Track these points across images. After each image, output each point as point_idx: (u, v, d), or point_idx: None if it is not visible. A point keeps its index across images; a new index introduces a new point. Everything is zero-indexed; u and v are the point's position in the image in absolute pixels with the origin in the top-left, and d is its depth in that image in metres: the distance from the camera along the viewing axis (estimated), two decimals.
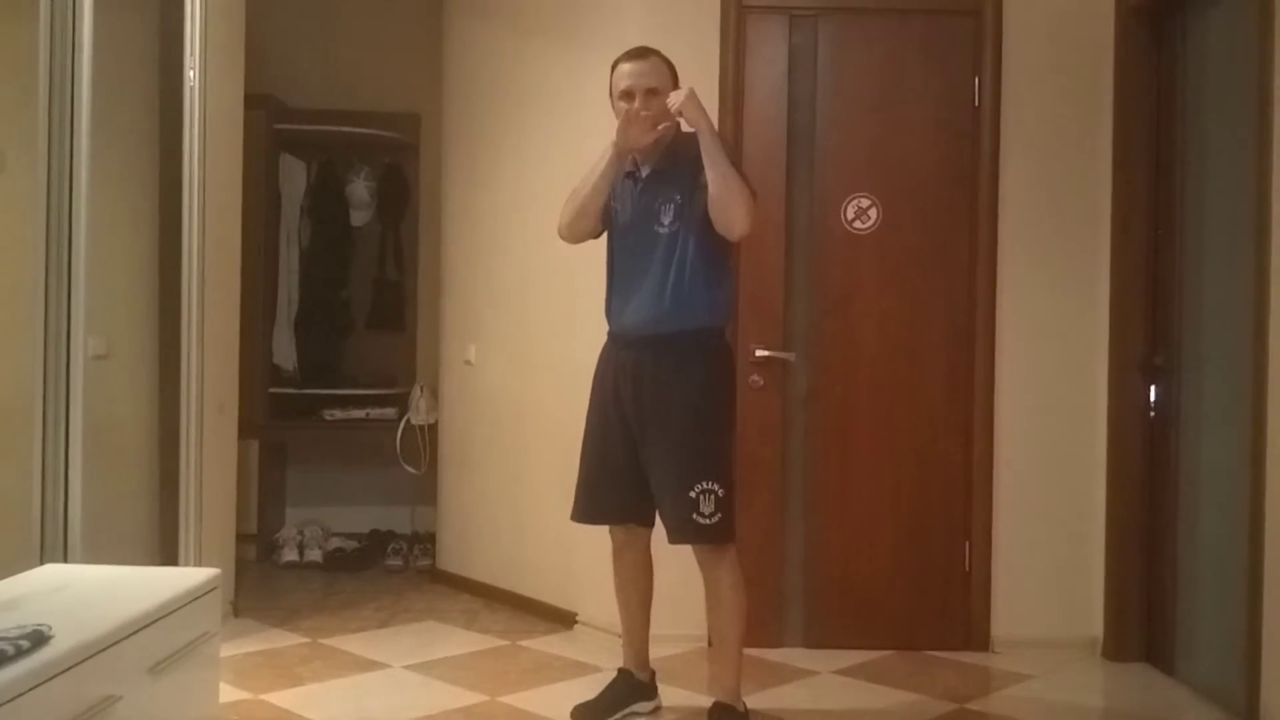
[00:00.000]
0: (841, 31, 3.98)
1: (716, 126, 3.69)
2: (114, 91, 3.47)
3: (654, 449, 3.07)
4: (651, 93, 3.07)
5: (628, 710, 3.25)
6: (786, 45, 3.96)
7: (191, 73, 3.72)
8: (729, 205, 2.96)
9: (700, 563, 3.11)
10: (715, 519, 3.01)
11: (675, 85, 3.15)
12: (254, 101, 4.57)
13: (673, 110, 3.01)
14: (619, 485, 3.15)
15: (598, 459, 3.19)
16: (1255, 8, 3.13)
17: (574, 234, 3.23)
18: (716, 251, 3.09)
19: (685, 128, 3.07)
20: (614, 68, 3.17)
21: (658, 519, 3.17)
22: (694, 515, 3.00)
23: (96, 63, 3.24)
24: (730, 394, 3.17)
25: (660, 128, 3.03)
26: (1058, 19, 3.95)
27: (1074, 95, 3.96)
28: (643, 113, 3.03)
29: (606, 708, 3.21)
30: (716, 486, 3.01)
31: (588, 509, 3.23)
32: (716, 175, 2.95)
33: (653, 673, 3.34)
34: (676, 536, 3.08)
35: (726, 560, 3.08)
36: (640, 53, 3.15)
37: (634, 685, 3.29)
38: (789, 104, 3.95)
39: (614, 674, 3.33)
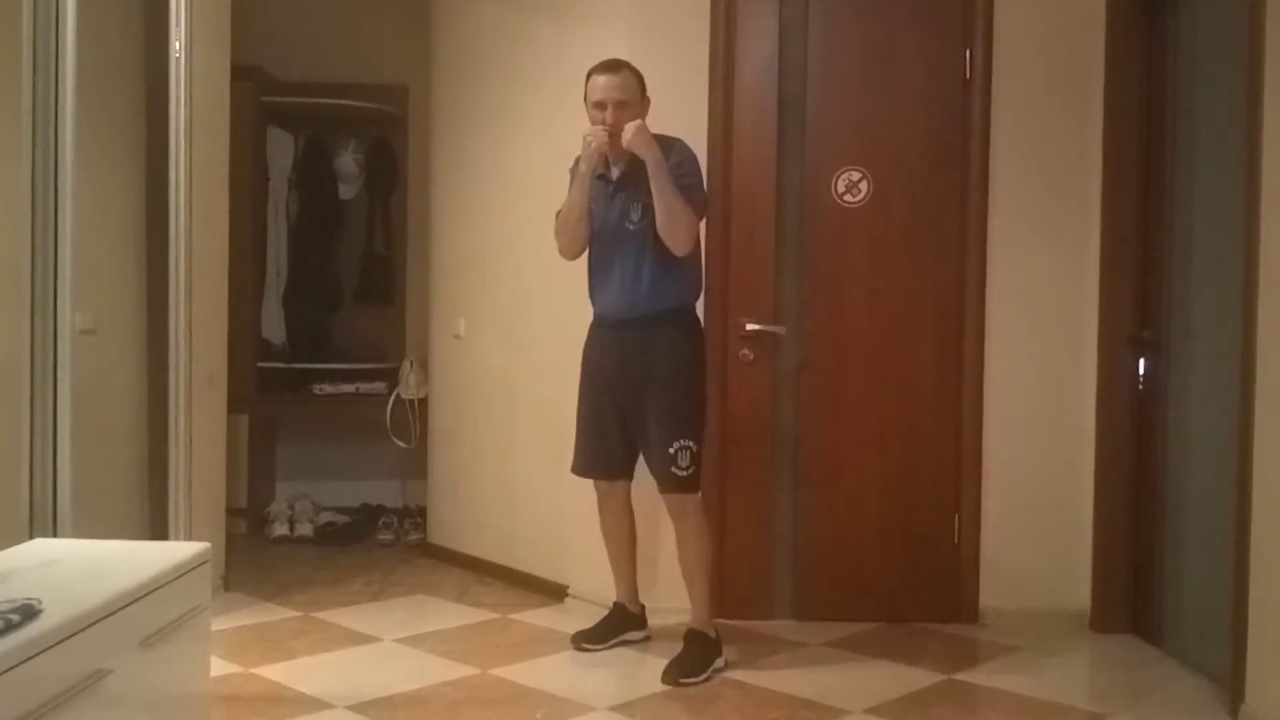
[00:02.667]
0: (833, 4, 3.96)
1: (707, 100, 3.73)
2: (99, 64, 3.44)
3: (639, 413, 3.50)
4: (620, 105, 3.40)
5: (621, 637, 3.68)
6: (777, 18, 3.94)
7: (177, 44, 3.67)
8: (670, 231, 3.37)
9: (670, 510, 3.52)
10: (690, 471, 3.45)
11: (644, 95, 3.47)
12: (241, 73, 4.53)
13: (624, 144, 3.35)
14: (606, 446, 3.60)
15: (588, 424, 3.62)
16: None
17: (572, 254, 3.60)
18: None
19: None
20: (589, 77, 3.46)
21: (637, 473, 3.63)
22: (672, 469, 3.44)
23: (81, 35, 3.20)
24: (700, 362, 3.56)
25: (625, 140, 3.35)
26: None
27: (1065, 68, 3.95)
28: (598, 127, 3.38)
29: (603, 634, 3.66)
30: (691, 443, 3.45)
31: (584, 467, 3.67)
32: (661, 204, 3.35)
33: (643, 606, 3.75)
34: (660, 485, 3.49)
35: (692, 507, 3.49)
36: (613, 66, 3.46)
37: (627, 616, 3.72)
38: (780, 77, 3.94)
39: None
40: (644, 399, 3.47)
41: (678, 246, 3.40)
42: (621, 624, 3.71)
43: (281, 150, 5.43)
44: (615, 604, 3.75)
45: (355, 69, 5.43)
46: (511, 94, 4.47)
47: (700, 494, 3.51)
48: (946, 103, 3.94)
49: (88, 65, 3.26)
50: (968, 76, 3.93)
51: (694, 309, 3.59)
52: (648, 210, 3.41)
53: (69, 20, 3.18)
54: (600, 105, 3.44)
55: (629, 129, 3.35)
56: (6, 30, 3.14)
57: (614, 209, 3.50)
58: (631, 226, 3.46)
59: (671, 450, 3.43)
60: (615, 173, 3.51)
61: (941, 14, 3.94)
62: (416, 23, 5.11)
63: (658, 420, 3.46)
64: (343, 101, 5.33)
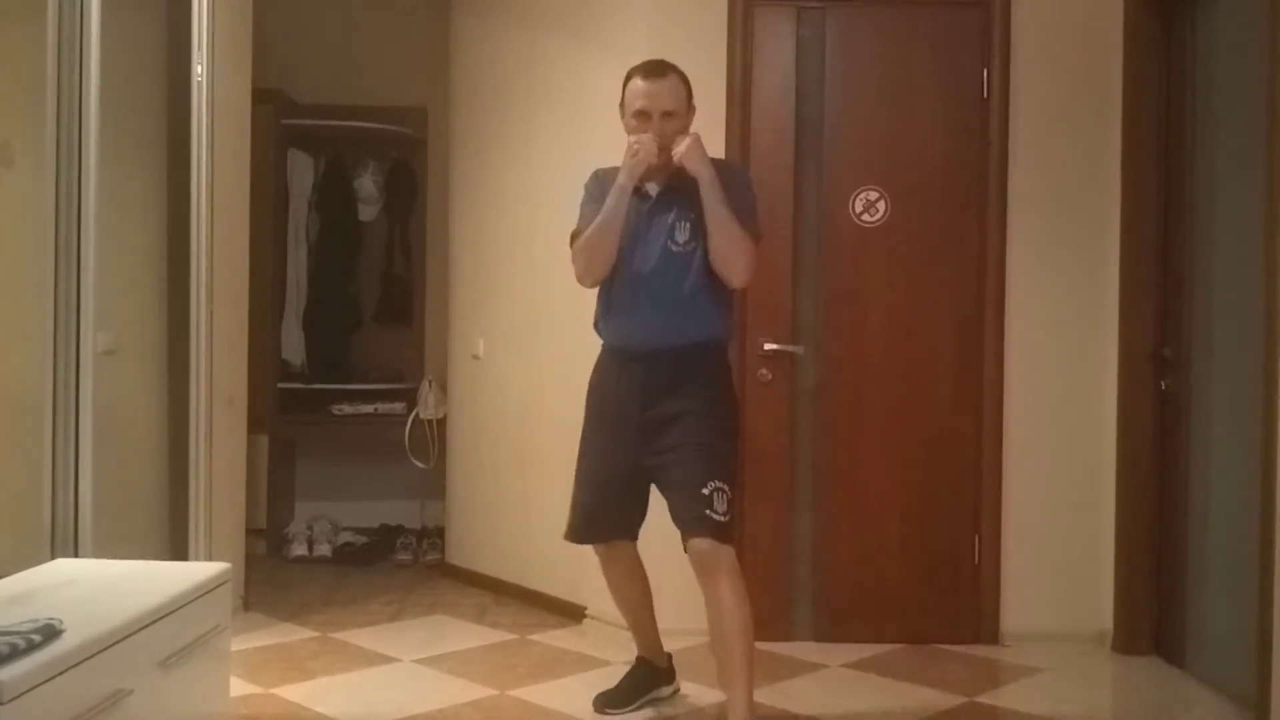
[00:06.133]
0: (849, 23, 3.97)
1: (724, 120, 3.73)
2: (122, 87, 3.47)
3: (668, 453, 3.02)
4: (668, 116, 3.01)
5: (649, 696, 3.31)
6: (794, 38, 3.95)
7: (199, 68, 3.72)
8: (729, 260, 3.01)
9: (701, 564, 2.97)
10: (727, 517, 2.96)
11: (691, 105, 3.09)
12: (262, 96, 4.57)
13: (675, 160, 2.99)
14: (620, 503, 3.15)
15: (596, 476, 3.16)
16: None
17: (596, 276, 3.13)
18: None
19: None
20: (627, 80, 3.08)
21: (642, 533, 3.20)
22: (708, 511, 2.94)
23: (104, 58, 3.24)
24: (736, 405, 3.19)
25: (677, 156, 2.99)
26: (1066, 9, 3.94)
27: (1083, 86, 3.94)
28: (647, 135, 2.98)
29: (627, 695, 3.28)
30: (726, 486, 2.98)
31: (586, 530, 3.22)
32: (718, 228, 2.98)
33: (669, 656, 3.38)
34: (690, 529, 2.98)
35: (726, 563, 2.96)
36: (657, 70, 3.05)
37: (653, 671, 3.34)
38: (797, 97, 3.94)
39: (626, 665, 3.38)
40: (670, 439, 3.01)
41: (735, 276, 3.04)
42: (647, 681, 3.32)
43: (302, 172, 5.47)
44: (638, 659, 3.36)
45: (375, 92, 5.47)
46: (530, 115, 4.50)
47: (733, 550, 3.00)
48: (964, 121, 3.94)
49: (111, 89, 3.29)
50: (985, 95, 3.93)
51: (727, 343, 3.20)
52: (696, 230, 3.02)
53: (92, 45, 3.21)
54: (643, 115, 3.01)
55: (683, 143, 2.97)
56: (31, 55, 3.18)
57: (653, 228, 3.06)
58: (676, 248, 3.03)
59: (706, 491, 2.93)
60: (653, 189, 3.08)
61: (959, 33, 3.95)
62: (435, 45, 5.14)
63: (690, 458, 2.98)
64: (362, 124, 5.37)
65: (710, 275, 3.04)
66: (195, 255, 3.75)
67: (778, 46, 3.94)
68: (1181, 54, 3.78)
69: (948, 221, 3.95)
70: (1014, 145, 3.92)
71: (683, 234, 3.04)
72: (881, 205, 3.93)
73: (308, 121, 5.36)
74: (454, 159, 5.01)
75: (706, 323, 3.07)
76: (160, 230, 3.88)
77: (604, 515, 3.17)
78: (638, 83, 3.05)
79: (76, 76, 3.20)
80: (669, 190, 3.07)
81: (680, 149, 2.97)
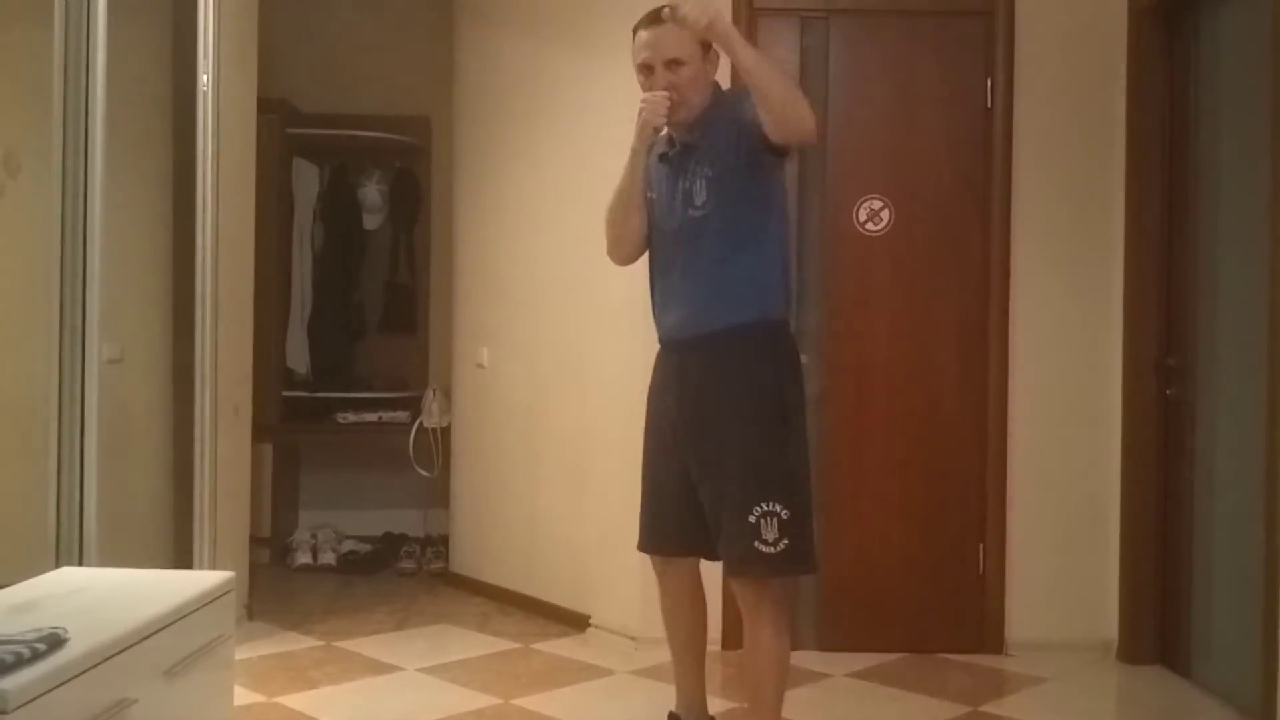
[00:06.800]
0: (853, 33, 3.98)
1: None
2: (128, 96, 3.48)
3: (705, 469, 2.66)
4: (673, 65, 2.62)
5: None
6: (798, 47, 3.96)
7: (205, 77, 3.73)
8: (779, 102, 2.47)
9: (742, 599, 2.66)
10: (781, 546, 2.56)
11: (707, 51, 2.66)
12: (267, 106, 4.59)
13: (682, 20, 2.47)
14: (673, 514, 2.77)
15: (647, 483, 2.84)
16: (1269, 7, 3.12)
17: (622, 253, 2.83)
18: (760, 230, 2.67)
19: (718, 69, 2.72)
20: (634, 35, 2.72)
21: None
22: (755, 543, 2.55)
23: (110, 68, 3.25)
24: (793, 396, 2.68)
25: (690, 102, 2.63)
26: (1070, 20, 3.94)
27: (1087, 96, 3.95)
28: (660, 93, 2.62)
29: None
30: (779, 507, 2.56)
31: (645, 540, 2.86)
32: (764, 77, 2.46)
33: None
34: (737, 568, 2.62)
35: (769, 600, 2.61)
36: (657, 16, 2.64)
37: None
38: None
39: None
40: (713, 448, 2.63)
41: (798, 121, 2.48)
42: None
43: (306, 181, 5.48)
44: (670, 716, 2.91)
45: (378, 101, 5.49)
46: (533, 124, 4.50)
47: (784, 579, 2.67)
48: (968, 131, 3.94)
49: (117, 99, 3.30)
50: (989, 104, 3.93)
51: (782, 325, 2.72)
52: (714, 188, 2.61)
53: (98, 54, 3.22)
54: (646, 69, 2.65)
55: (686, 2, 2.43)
56: (38, 64, 3.19)
57: (675, 193, 2.69)
58: (695, 212, 2.63)
59: (753, 518, 2.54)
60: (678, 147, 2.73)
61: (962, 42, 3.95)
62: (439, 55, 5.15)
63: (733, 477, 2.59)
64: (366, 133, 5.39)
65: (743, 242, 2.64)
66: (200, 264, 3.75)
67: (781, 55, 3.94)
68: (1185, 63, 3.78)
69: (952, 230, 3.95)
70: (1017, 154, 3.92)
71: (699, 195, 2.65)
72: (885, 214, 3.93)
73: (312, 131, 5.38)
74: (458, 168, 5.03)
75: (745, 300, 2.64)
76: (166, 239, 3.89)
77: (657, 527, 2.81)
78: (640, 34, 2.68)
79: (82, 85, 3.21)
80: (688, 148, 2.70)
81: (688, 9, 2.44)
